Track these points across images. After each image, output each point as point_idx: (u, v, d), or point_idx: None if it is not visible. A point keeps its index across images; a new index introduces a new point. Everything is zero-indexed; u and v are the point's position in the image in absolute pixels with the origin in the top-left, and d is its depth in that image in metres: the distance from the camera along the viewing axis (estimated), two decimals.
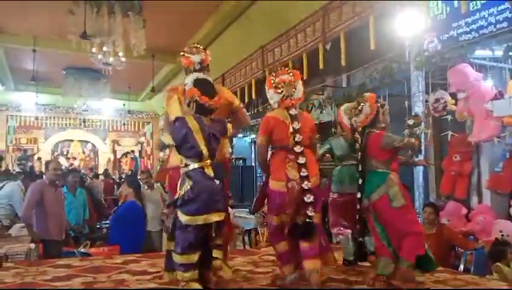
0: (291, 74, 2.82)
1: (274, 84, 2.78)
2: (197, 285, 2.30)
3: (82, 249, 4.43)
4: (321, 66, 5.86)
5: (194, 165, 2.35)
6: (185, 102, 2.54)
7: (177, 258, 2.33)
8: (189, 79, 2.57)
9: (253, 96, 7.77)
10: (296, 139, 2.66)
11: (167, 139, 2.56)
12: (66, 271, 3.18)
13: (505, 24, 4.04)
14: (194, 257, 2.31)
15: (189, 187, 2.31)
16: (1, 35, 9.27)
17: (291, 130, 2.68)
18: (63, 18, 7.13)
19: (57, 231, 4.54)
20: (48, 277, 3.00)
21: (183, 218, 2.32)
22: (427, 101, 4.86)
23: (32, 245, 3.95)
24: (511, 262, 3.61)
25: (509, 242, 3.87)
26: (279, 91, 2.74)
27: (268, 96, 2.84)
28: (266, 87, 2.85)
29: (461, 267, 3.90)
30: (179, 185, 2.39)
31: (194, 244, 2.31)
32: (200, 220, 2.30)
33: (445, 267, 3.47)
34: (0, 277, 2.99)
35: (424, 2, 4.67)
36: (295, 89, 2.78)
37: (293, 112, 2.74)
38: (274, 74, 2.85)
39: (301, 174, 2.59)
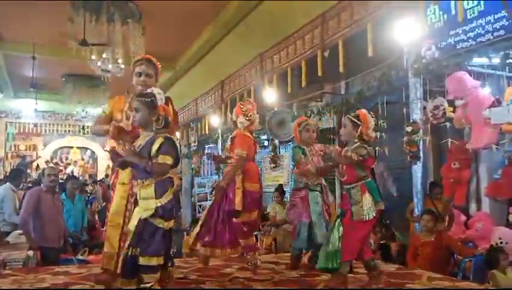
0: (254, 105, 3.63)
1: (243, 112, 3.52)
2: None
3: (80, 257, 4.42)
4: (319, 73, 5.88)
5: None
6: (150, 115, 2.57)
7: (151, 261, 2.45)
8: (161, 95, 2.61)
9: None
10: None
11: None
12: (64, 279, 3.17)
13: (502, 32, 4.07)
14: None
15: (171, 196, 2.52)
16: (1, 43, 9.29)
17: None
18: (63, 26, 7.15)
19: (55, 237, 4.53)
20: (46, 285, 2.99)
21: (166, 224, 2.49)
22: (425, 108, 4.87)
23: (31, 252, 3.94)
24: (507, 269, 3.61)
25: (503, 249, 3.87)
26: (247, 118, 3.50)
27: (237, 121, 3.54)
28: (234, 113, 3.59)
29: (460, 274, 3.89)
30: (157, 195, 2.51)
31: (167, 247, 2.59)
32: (172, 224, 2.56)
33: (444, 275, 3.46)
34: None
35: (422, 7, 4.70)
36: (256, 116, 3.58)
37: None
38: (242, 103, 3.61)
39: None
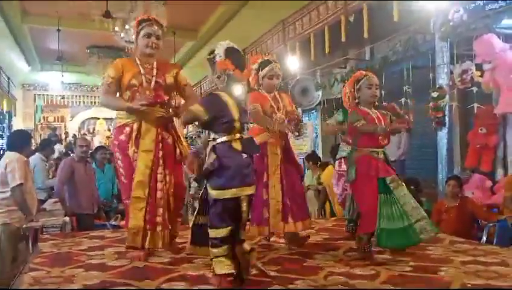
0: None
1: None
2: (225, 261, 2.24)
3: (113, 222, 4.63)
4: (343, 39, 5.80)
5: (222, 139, 2.32)
6: (213, 73, 2.47)
7: (210, 233, 2.29)
8: (220, 48, 2.43)
9: None
10: None
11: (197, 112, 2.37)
12: (99, 242, 3.36)
13: None
14: (222, 231, 2.25)
15: (212, 160, 2.28)
16: (26, 17, 9.44)
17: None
18: None
19: (88, 205, 4.74)
20: (83, 247, 3.17)
21: (211, 192, 2.30)
22: (451, 72, 4.78)
23: (67, 218, 4.15)
24: None
25: None
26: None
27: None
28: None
29: (484, 239, 3.92)
30: (206, 159, 2.40)
31: (222, 218, 2.26)
32: (228, 193, 2.26)
33: (467, 239, 3.50)
34: (39, 248, 3.19)
35: None
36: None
37: None
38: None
39: None
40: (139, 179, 2.76)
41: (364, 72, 3.04)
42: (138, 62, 2.89)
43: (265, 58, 3.28)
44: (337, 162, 3.70)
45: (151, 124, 2.84)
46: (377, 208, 2.70)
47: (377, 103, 3.00)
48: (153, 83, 2.86)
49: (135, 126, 2.83)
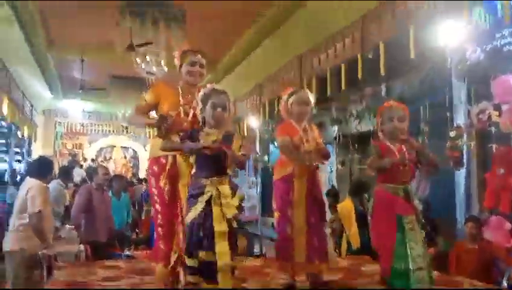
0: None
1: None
2: None
3: (127, 252, 4.64)
4: (359, 76, 5.85)
5: None
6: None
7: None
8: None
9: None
10: None
11: None
12: (114, 272, 3.35)
13: None
14: None
15: None
16: (51, 46, 9.78)
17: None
18: (110, 29, 7.46)
19: (104, 233, 4.77)
20: (98, 277, 3.17)
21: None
22: (469, 112, 4.78)
23: (82, 246, 4.17)
24: None
25: None
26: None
27: None
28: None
29: (504, 284, 3.81)
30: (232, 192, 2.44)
31: None
32: None
33: (487, 284, 3.41)
34: (54, 276, 3.21)
35: (466, 8, 4.60)
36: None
37: None
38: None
39: None
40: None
41: (389, 103, 2.95)
42: (180, 91, 2.91)
43: (296, 88, 3.25)
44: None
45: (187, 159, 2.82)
46: (392, 247, 2.65)
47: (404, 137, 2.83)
48: (190, 115, 2.85)
49: (170, 159, 2.84)
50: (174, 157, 2.84)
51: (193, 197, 2.39)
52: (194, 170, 2.48)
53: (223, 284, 2.28)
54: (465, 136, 4.67)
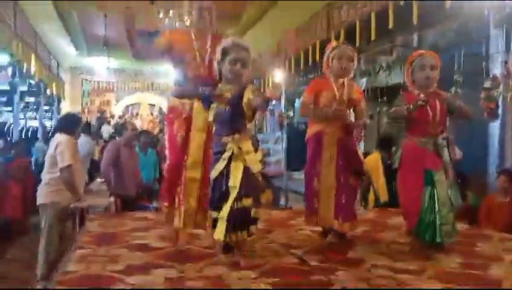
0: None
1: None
2: None
3: (155, 204, 4.74)
4: (390, 25, 5.59)
5: None
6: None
7: (257, 214, 2.46)
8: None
9: (317, 59, 7.62)
10: None
11: None
12: (143, 223, 3.45)
13: None
14: None
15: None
16: (75, 2, 9.71)
17: None
18: None
19: (132, 187, 4.86)
20: (127, 228, 3.27)
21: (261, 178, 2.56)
22: (506, 62, 4.53)
23: (111, 199, 4.27)
24: None
25: None
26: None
27: None
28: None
29: None
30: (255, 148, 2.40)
31: None
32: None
33: None
34: (87, 227, 3.32)
35: None
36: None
37: None
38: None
39: None
40: (193, 159, 2.77)
41: (420, 52, 2.81)
42: (193, 36, 2.83)
43: (341, 42, 3.09)
44: None
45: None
46: (420, 200, 2.61)
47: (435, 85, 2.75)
48: (206, 60, 2.79)
49: (187, 107, 2.82)
50: (191, 105, 2.81)
51: (216, 154, 2.42)
52: (214, 129, 2.48)
53: (217, 233, 2.34)
54: (501, 86, 4.45)
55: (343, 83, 2.96)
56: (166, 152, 2.91)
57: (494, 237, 3.24)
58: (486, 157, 4.65)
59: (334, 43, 3.08)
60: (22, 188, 6.14)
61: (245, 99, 2.33)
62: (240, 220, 2.32)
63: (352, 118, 3.03)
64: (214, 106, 2.41)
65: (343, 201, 2.88)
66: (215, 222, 2.37)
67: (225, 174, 2.36)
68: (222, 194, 2.36)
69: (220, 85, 2.46)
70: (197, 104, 2.78)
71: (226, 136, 2.38)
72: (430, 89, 2.74)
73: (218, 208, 2.35)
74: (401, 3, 5.20)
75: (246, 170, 2.35)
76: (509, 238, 3.21)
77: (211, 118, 2.43)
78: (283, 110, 10.10)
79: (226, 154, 2.36)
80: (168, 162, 2.90)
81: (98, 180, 5.33)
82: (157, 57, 3.04)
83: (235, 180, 2.33)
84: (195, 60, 2.79)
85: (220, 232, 2.32)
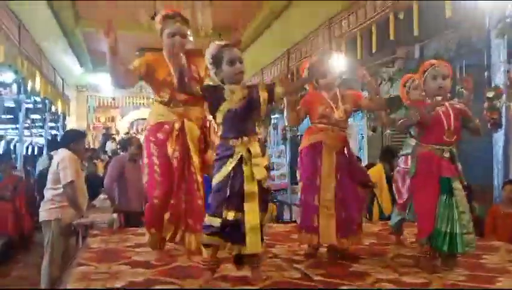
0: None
1: None
2: None
3: None
4: (391, 37, 5.61)
5: None
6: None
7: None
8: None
9: None
10: None
11: None
12: (146, 239, 3.41)
13: None
14: None
15: None
16: (79, 20, 9.84)
17: None
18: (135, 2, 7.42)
19: (137, 202, 4.85)
20: (130, 244, 3.25)
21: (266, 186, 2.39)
22: (508, 71, 4.52)
23: (115, 215, 4.27)
24: None
25: None
26: None
27: None
28: None
29: None
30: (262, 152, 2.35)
31: None
32: None
33: None
34: (88, 243, 3.30)
35: None
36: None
37: None
38: None
39: None
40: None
41: (432, 62, 2.79)
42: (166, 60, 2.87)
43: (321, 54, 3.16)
44: (402, 158, 3.43)
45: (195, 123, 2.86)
46: (435, 209, 2.56)
47: (449, 95, 2.78)
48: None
49: (177, 125, 2.81)
50: (182, 122, 2.80)
51: (222, 159, 2.30)
52: (221, 131, 2.39)
53: (251, 245, 2.18)
54: (504, 96, 4.43)
55: (335, 94, 2.95)
56: (156, 176, 2.82)
57: (500, 248, 3.20)
58: (490, 168, 4.60)
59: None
60: (12, 207, 6.12)
61: (261, 97, 2.34)
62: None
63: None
64: (223, 107, 2.33)
65: (344, 216, 2.81)
66: (210, 229, 2.24)
67: (231, 178, 2.25)
68: (225, 200, 2.23)
69: (228, 86, 2.38)
70: (189, 123, 2.79)
71: (235, 139, 2.29)
72: (443, 99, 2.74)
73: (219, 214, 2.23)
74: (402, 14, 5.24)
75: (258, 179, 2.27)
76: None
77: (219, 120, 2.35)
78: (286, 123, 10.12)
79: (235, 158, 2.27)
80: (159, 189, 2.82)
81: (102, 196, 5.32)
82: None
83: (251, 186, 2.23)
84: (171, 81, 2.79)
85: (256, 244, 2.20)
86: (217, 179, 2.28)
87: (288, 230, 3.89)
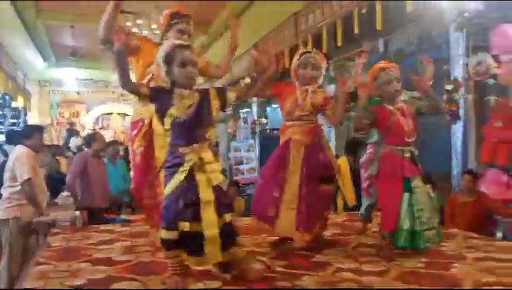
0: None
1: None
2: None
3: (123, 216, 4.65)
4: (356, 31, 5.69)
5: None
6: None
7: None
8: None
9: (287, 65, 7.68)
10: None
11: None
12: (109, 236, 3.36)
13: None
14: None
15: None
16: (41, 13, 9.54)
17: None
18: None
19: (101, 199, 4.77)
20: (92, 241, 3.18)
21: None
22: (467, 64, 4.66)
23: (77, 212, 4.16)
24: None
25: None
26: None
27: None
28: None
29: (499, 234, 3.83)
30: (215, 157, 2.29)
31: None
32: None
33: (482, 235, 3.41)
34: (48, 242, 3.21)
35: None
36: None
37: None
38: None
39: None
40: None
41: (381, 66, 2.84)
42: None
43: (307, 50, 3.08)
44: (369, 145, 3.50)
45: None
46: (398, 207, 2.65)
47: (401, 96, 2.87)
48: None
49: (146, 121, 2.83)
50: (151, 120, 2.80)
51: (172, 167, 2.18)
52: (170, 138, 2.24)
53: (211, 256, 2.13)
54: (462, 89, 4.57)
55: (306, 90, 2.93)
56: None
57: (458, 236, 3.31)
58: (449, 158, 4.75)
59: (301, 50, 3.08)
60: None
61: (212, 105, 2.25)
62: (228, 236, 2.18)
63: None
64: (172, 112, 2.19)
65: (305, 211, 2.82)
66: (167, 243, 2.16)
67: (184, 188, 2.13)
68: (180, 211, 2.12)
69: (178, 90, 2.22)
70: (156, 120, 2.73)
71: (185, 147, 2.17)
72: (398, 101, 2.82)
73: (173, 228, 2.11)
74: (365, 9, 5.33)
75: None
76: (473, 236, 3.29)
77: (167, 126, 2.22)
78: (256, 117, 10.13)
79: (186, 167, 2.14)
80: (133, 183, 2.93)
81: (64, 193, 5.19)
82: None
83: (207, 194, 2.14)
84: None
85: (215, 254, 2.13)
86: (168, 190, 2.16)
87: (254, 223, 3.88)
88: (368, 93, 2.84)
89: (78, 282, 2.22)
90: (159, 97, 2.24)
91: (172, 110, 2.18)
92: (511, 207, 4.38)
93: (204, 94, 2.27)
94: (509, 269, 2.37)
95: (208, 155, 2.20)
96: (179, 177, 2.14)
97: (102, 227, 3.80)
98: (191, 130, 2.19)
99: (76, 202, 4.63)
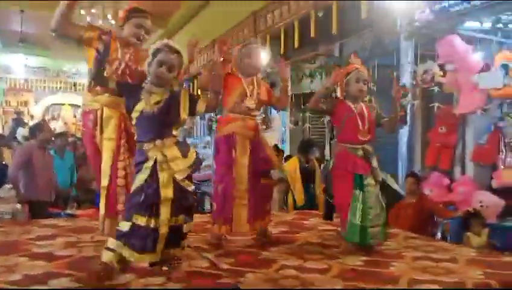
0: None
1: None
2: None
3: (68, 211, 4.50)
4: (312, 35, 5.79)
5: None
6: None
7: (190, 227, 2.39)
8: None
9: None
10: None
11: None
12: (51, 231, 3.24)
13: None
14: None
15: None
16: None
17: None
18: None
19: (45, 192, 4.59)
20: (32, 236, 3.06)
21: (191, 187, 2.38)
22: (415, 72, 4.87)
23: (19, 206, 4.00)
24: (481, 232, 3.75)
25: (478, 213, 4.00)
26: None
27: None
28: None
29: (438, 235, 4.02)
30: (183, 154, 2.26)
31: None
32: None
33: (423, 235, 3.57)
34: None
35: None
36: None
37: None
38: None
39: None
40: (104, 169, 2.77)
41: (356, 66, 2.92)
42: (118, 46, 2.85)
43: (247, 42, 3.15)
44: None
45: (114, 112, 2.80)
46: (350, 203, 2.74)
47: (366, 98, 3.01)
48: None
49: (99, 113, 2.80)
50: (102, 109, 2.78)
51: (138, 165, 2.21)
52: (136, 136, 2.29)
53: (160, 252, 2.19)
54: (409, 95, 4.77)
55: (252, 80, 2.98)
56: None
57: (399, 235, 3.44)
58: (396, 162, 4.95)
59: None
60: None
61: (182, 106, 2.28)
62: (173, 238, 2.21)
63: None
64: (139, 107, 2.22)
65: (254, 204, 2.88)
66: (118, 232, 2.15)
67: (146, 185, 2.16)
68: (138, 203, 2.14)
69: (148, 85, 2.28)
70: (107, 110, 2.75)
71: (148, 143, 2.20)
72: (361, 101, 2.91)
73: (129, 219, 2.14)
74: (322, 12, 5.43)
75: (177, 182, 2.20)
76: (413, 236, 3.43)
77: (134, 121, 2.26)
78: (212, 114, 10.09)
79: (149, 163, 2.18)
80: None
81: (7, 186, 4.95)
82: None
83: (167, 191, 2.16)
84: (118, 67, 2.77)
85: (155, 254, 2.17)
86: (133, 187, 2.21)
87: (206, 221, 3.88)
88: (333, 84, 2.98)
89: (14, 278, 2.13)
90: (128, 92, 2.33)
91: (139, 105, 2.23)
92: (451, 209, 4.63)
93: (174, 94, 2.30)
94: (443, 269, 2.50)
95: (172, 152, 2.21)
96: (143, 175, 2.18)
97: (45, 221, 3.66)
98: (155, 126, 2.22)
99: (19, 195, 4.44)
